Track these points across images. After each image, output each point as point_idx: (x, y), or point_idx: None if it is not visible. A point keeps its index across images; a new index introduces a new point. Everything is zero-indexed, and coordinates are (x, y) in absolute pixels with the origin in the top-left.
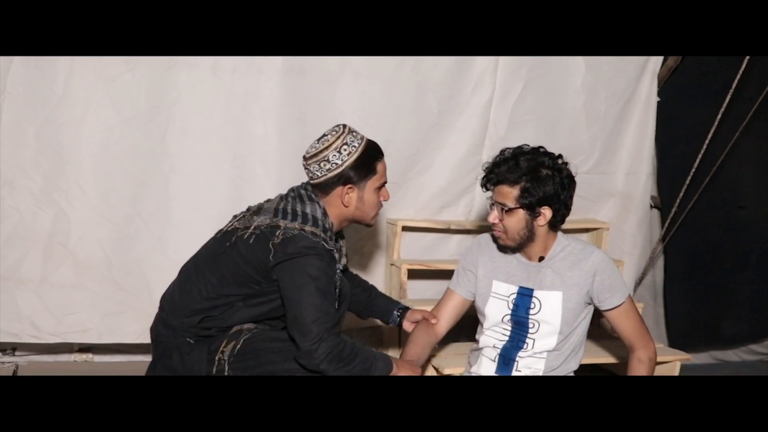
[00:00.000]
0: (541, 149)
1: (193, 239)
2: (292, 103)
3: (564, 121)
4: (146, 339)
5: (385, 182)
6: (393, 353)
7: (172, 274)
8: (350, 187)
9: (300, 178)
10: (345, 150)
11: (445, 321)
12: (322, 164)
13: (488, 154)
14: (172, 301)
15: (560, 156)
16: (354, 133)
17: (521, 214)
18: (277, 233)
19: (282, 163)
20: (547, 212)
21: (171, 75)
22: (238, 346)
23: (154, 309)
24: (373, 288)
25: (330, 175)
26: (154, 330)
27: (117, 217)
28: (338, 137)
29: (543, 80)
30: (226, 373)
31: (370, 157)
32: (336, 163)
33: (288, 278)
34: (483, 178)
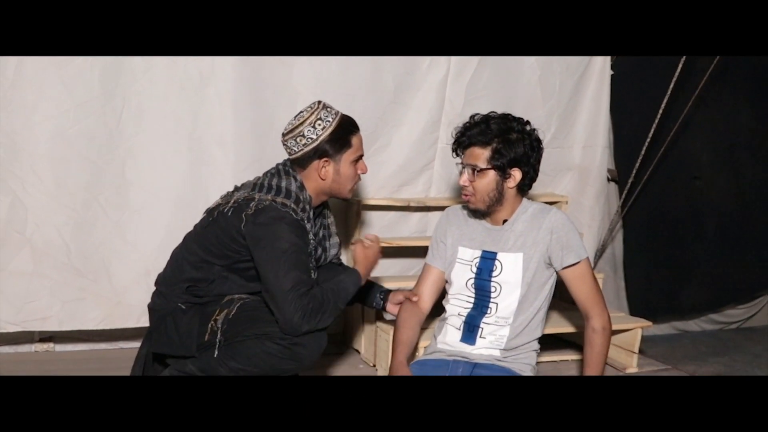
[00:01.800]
0: (509, 115)
1: (151, 223)
2: (248, 84)
3: (520, 96)
4: (108, 325)
5: (362, 155)
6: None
7: (131, 259)
8: (326, 161)
9: (258, 157)
10: (319, 125)
11: (427, 296)
12: (298, 139)
13: (445, 131)
14: (164, 275)
15: (528, 122)
16: (328, 109)
17: (492, 175)
18: (251, 205)
19: (239, 143)
20: (517, 174)
21: (124, 58)
22: (233, 313)
23: (114, 294)
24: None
25: (306, 149)
26: (150, 304)
27: (74, 203)
28: (313, 113)
29: (497, 56)
30: (217, 339)
31: (345, 130)
32: (311, 138)
33: (258, 253)
34: (453, 143)
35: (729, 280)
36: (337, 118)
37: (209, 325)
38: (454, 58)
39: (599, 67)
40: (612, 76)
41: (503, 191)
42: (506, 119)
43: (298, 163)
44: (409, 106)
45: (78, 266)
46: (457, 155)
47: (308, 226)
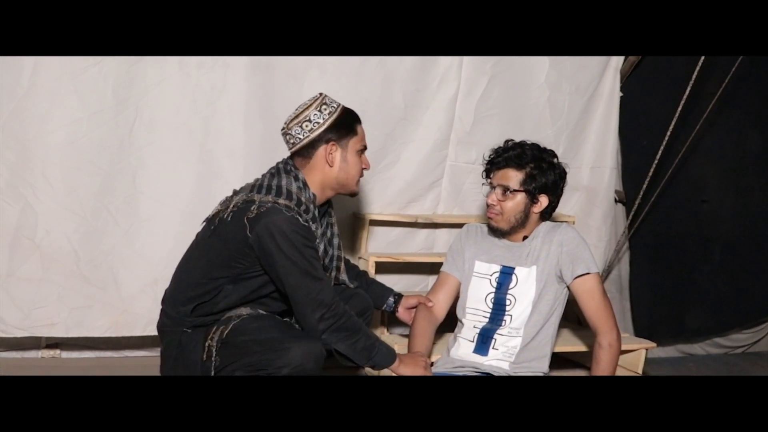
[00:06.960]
0: (540, 145)
1: (160, 233)
2: (259, 97)
3: (529, 116)
4: (114, 333)
5: (365, 148)
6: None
7: (139, 268)
8: (333, 145)
9: (267, 169)
10: (325, 109)
11: (442, 303)
12: (303, 125)
13: (454, 149)
14: (169, 294)
15: (556, 155)
16: (329, 98)
17: (521, 197)
18: (251, 208)
19: (249, 156)
20: (544, 200)
21: (138, 69)
22: (226, 332)
23: (121, 303)
24: (365, 273)
25: (313, 135)
26: (159, 323)
27: (84, 211)
28: (316, 100)
29: (507, 75)
30: (213, 359)
31: (349, 117)
32: (318, 122)
33: (271, 267)
34: (487, 164)
35: (735, 304)
36: (340, 106)
37: (206, 344)
38: (463, 77)
39: (608, 89)
40: (621, 97)
41: (529, 214)
42: (539, 148)
43: (302, 154)
44: (419, 124)
45: (86, 274)
46: (488, 176)
47: (313, 226)
